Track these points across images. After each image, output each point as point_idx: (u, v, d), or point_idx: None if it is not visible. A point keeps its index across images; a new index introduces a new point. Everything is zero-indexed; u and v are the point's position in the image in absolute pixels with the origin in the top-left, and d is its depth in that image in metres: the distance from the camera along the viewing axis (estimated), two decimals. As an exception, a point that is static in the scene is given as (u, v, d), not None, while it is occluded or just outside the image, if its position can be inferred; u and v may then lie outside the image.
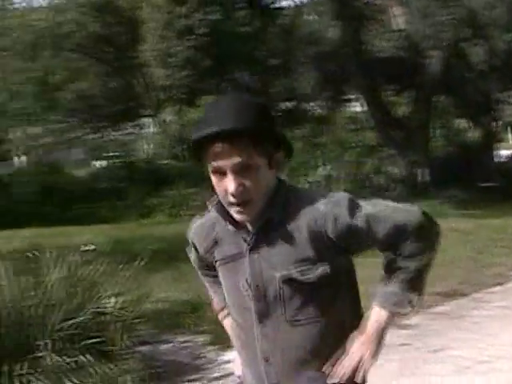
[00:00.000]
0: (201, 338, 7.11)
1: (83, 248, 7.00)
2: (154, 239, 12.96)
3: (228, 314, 2.56)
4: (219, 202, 2.36)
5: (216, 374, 6.09)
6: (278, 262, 2.29)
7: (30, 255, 6.34)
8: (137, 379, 5.61)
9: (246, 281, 2.34)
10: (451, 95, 21.45)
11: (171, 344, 6.74)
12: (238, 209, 2.27)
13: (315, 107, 23.03)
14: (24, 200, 20.76)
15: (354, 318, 2.37)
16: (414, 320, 7.14)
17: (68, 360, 5.36)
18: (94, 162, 28.20)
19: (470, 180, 19.56)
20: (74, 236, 12.47)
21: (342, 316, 2.34)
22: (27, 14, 22.41)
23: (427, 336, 6.90)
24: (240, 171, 2.23)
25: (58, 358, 5.34)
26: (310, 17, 23.15)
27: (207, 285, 2.74)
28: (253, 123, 2.23)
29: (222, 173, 2.25)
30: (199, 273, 2.73)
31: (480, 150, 22.02)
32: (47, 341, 5.42)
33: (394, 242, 2.27)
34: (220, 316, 2.71)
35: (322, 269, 2.27)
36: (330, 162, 20.54)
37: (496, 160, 23.08)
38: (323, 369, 2.30)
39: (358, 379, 2.28)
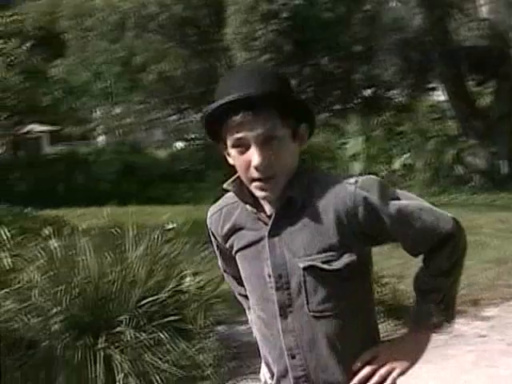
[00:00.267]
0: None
1: (166, 226, 7.05)
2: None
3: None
4: (236, 181, 2.18)
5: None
6: (301, 249, 2.10)
7: (113, 232, 6.44)
8: (214, 358, 5.68)
9: (268, 268, 2.15)
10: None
11: (248, 326, 6.80)
12: (261, 184, 2.08)
13: (397, 95, 22.81)
14: (105, 179, 21.18)
15: (373, 310, 2.27)
16: (491, 312, 7.05)
17: (147, 336, 5.44)
18: (175, 144, 28.43)
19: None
20: (153, 215, 12.61)
21: (365, 308, 2.20)
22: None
23: (505, 328, 6.78)
24: (264, 143, 2.04)
25: (137, 333, 5.43)
26: (394, 4, 22.90)
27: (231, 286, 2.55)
28: (278, 90, 2.06)
29: (244, 146, 2.07)
30: (221, 270, 2.52)
31: None
32: (127, 317, 5.50)
33: (421, 244, 2.13)
34: None
35: (348, 257, 2.08)
36: (410, 150, 20.34)
37: None
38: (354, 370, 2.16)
39: None
